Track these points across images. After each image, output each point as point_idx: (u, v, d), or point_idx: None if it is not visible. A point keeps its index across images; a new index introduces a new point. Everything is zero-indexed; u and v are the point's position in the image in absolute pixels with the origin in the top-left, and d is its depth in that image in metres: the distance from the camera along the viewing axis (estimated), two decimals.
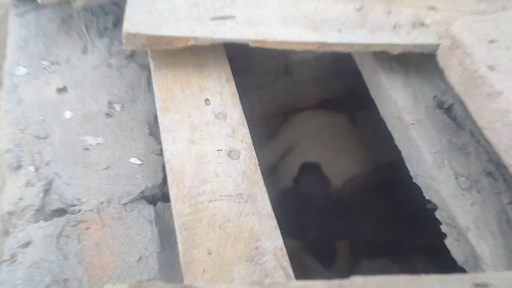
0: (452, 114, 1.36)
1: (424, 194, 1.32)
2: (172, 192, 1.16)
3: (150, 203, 1.29)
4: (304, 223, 2.21)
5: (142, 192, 1.29)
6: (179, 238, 1.11)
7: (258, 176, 1.20)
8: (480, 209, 1.20)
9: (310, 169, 2.37)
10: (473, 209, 1.21)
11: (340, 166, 2.45)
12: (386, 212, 2.26)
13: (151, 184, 1.30)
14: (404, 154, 1.36)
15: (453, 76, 1.20)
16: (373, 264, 2.31)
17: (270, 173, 2.68)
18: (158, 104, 1.29)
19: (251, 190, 1.18)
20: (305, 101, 2.66)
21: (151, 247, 1.21)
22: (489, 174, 1.26)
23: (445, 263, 2.44)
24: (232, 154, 1.23)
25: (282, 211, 2.28)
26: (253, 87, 2.45)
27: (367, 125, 2.78)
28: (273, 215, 1.16)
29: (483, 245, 1.16)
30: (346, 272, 2.31)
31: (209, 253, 1.09)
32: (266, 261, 1.10)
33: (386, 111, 1.41)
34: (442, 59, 1.22)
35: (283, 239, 2.30)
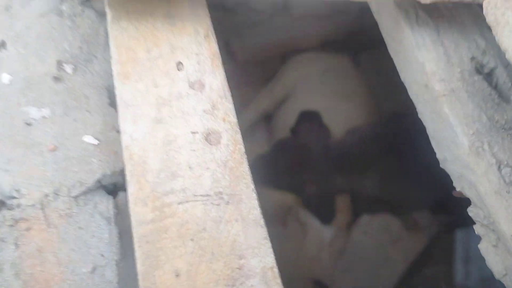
0: (494, 81, 1.04)
1: (454, 184, 1.01)
2: (131, 190, 0.86)
3: (110, 194, 0.99)
4: (301, 176, 1.96)
5: (98, 180, 0.99)
6: (137, 254, 0.82)
7: (244, 168, 0.90)
8: None
9: (309, 118, 2.08)
10: None
11: (342, 115, 2.18)
12: (391, 165, 1.99)
13: (111, 170, 0.99)
14: (430, 131, 1.05)
15: (507, 36, 0.86)
16: (374, 219, 2.07)
17: (265, 121, 2.38)
18: (115, 69, 0.96)
19: (234, 187, 0.88)
20: (305, 42, 2.32)
21: (108, 254, 0.93)
22: None
23: (451, 220, 2.23)
24: (210, 138, 0.92)
25: (278, 163, 2.03)
26: (246, 25, 2.10)
27: (372, 68, 2.46)
28: (262, 221, 0.86)
29: None
30: (345, 228, 2.06)
31: (177, 275, 0.81)
32: (252, 285, 0.82)
33: (408, 76, 1.08)
34: (492, 13, 0.88)
35: (279, 193, 2.05)
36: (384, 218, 2.11)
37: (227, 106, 0.94)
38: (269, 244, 0.85)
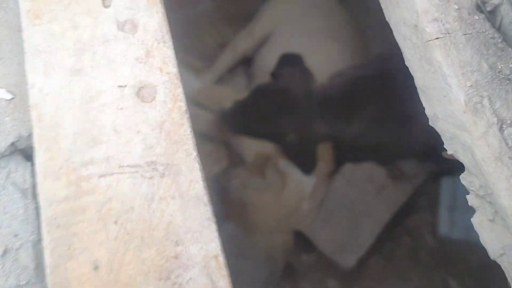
0: (498, 22, 0.81)
1: (446, 146, 0.81)
2: (39, 160, 0.66)
3: (28, 161, 0.79)
4: (282, 123, 1.76)
5: (12, 143, 0.77)
6: (46, 242, 0.63)
7: (185, 131, 0.69)
8: None
9: (290, 61, 1.87)
10: None
11: (326, 58, 1.96)
12: (376, 112, 1.79)
13: (28, 131, 0.78)
14: (419, 83, 0.84)
15: None
16: (357, 168, 1.90)
17: (245, 65, 2.15)
18: (23, 5, 0.72)
19: (172, 155, 0.68)
20: None
21: (24, 234, 0.74)
22: None
23: (439, 169, 2.07)
24: (143, 93, 0.70)
25: (257, 110, 1.83)
26: None
27: (359, 5, 2.20)
28: (206, 198, 0.67)
29: None
30: (327, 177, 1.87)
31: (96, 268, 0.62)
32: (191, 278, 0.63)
33: (394, 14, 0.85)
34: None
35: (257, 141, 1.86)
36: (368, 167, 1.93)
37: (165, 53, 0.72)
38: (213, 227, 0.66)
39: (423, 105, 0.84)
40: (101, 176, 0.66)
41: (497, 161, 0.72)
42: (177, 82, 0.71)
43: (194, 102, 2.04)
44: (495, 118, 0.74)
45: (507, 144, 0.72)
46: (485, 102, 0.74)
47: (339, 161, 1.94)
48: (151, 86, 0.70)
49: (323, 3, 2.06)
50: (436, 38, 0.76)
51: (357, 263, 1.84)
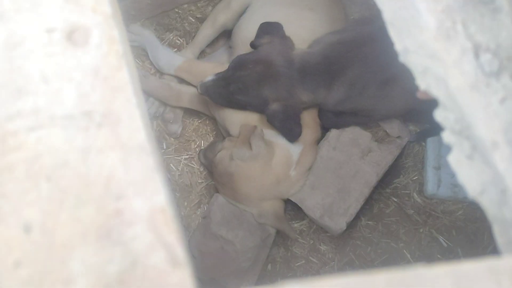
0: None
1: (418, 82, 0.70)
2: None
3: None
4: (264, 93, 1.67)
5: None
6: None
7: (123, 75, 0.58)
8: None
9: (269, 30, 1.75)
10: (503, 109, 0.61)
11: (305, 25, 1.84)
12: (358, 76, 1.70)
13: None
14: (387, 15, 0.72)
15: None
16: (343, 133, 1.82)
17: (227, 38, 2.04)
18: None
19: (109, 103, 0.57)
20: None
21: None
22: None
23: (422, 129, 1.98)
24: (75, 36, 0.59)
25: (239, 81, 1.73)
26: None
27: None
28: (150, 147, 0.56)
29: None
30: (313, 144, 1.79)
31: (28, 230, 0.52)
32: (135, 235, 0.53)
33: None
34: None
35: (241, 113, 1.77)
36: (353, 131, 1.84)
37: None
38: (159, 177, 0.55)
39: (393, 40, 0.73)
40: (29, 130, 0.55)
41: (473, 90, 0.61)
42: (113, 22, 0.59)
43: (177, 78, 1.95)
44: (470, 44, 0.62)
45: (483, 70, 0.61)
46: (458, 26, 0.63)
47: (324, 128, 1.85)
48: (84, 29, 0.59)
49: None
50: None
51: (347, 226, 1.76)
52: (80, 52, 0.58)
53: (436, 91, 0.66)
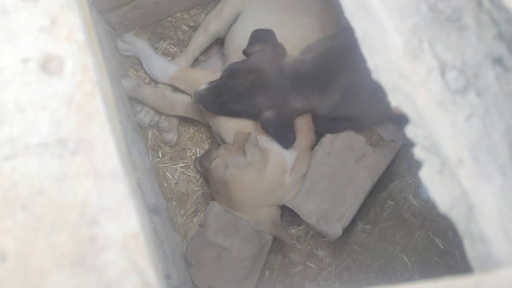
0: None
1: (390, 99, 0.72)
2: None
3: None
4: (258, 100, 1.68)
5: None
6: None
7: (97, 103, 0.60)
8: (481, 125, 0.62)
9: (261, 38, 1.75)
10: (469, 126, 0.62)
11: (297, 32, 1.85)
12: (350, 80, 1.71)
13: None
14: (359, 34, 0.74)
15: None
16: (337, 138, 1.82)
17: (219, 44, 2.06)
18: None
19: (84, 130, 0.59)
20: None
21: None
22: (497, 61, 0.64)
23: None
24: (49, 65, 0.61)
25: (232, 90, 1.74)
26: None
27: None
28: (123, 173, 0.58)
29: (485, 189, 0.60)
30: (308, 150, 1.81)
31: (3, 259, 0.54)
32: (108, 261, 0.55)
33: None
34: None
35: (235, 121, 1.78)
36: (347, 136, 1.85)
37: (72, 20, 0.63)
38: (132, 202, 0.57)
39: (365, 58, 0.74)
40: (5, 159, 0.57)
41: (440, 107, 0.62)
42: (87, 51, 0.61)
43: (171, 86, 1.97)
44: (436, 62, 0.64)
45: (449, 88, 0.63)
46: (425, 45, 0.65)
47: (318, 133, 1.87)
48: (58, 58, 0.61)
49: None
50: None
51: (343, 231, 1.77)
52: (55, 81, 0.60)
53: (406, 108, 0.68)
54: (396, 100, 0.68)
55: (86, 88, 0.60)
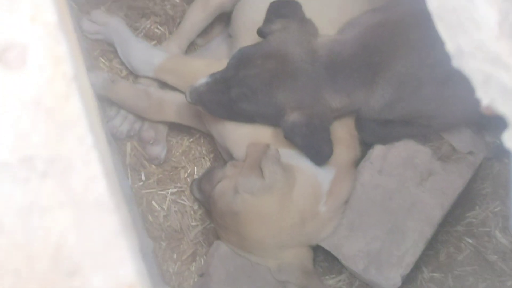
0: None
1: (479, 94, 0.72)
2: None
3: None
4: (279, 99, 1.70)
5: None
6: None
7: (74, 106, 0.61)
8: None
9: (283, 11, 1.78)
10: None
11: (333, 2, 1.89)
12: (408, 70, 1.73)
13: None
14: (432, 5, 0.74)
15: None
16: (392, 150, 1.85)
17: (224, 22, 2.09)
18: None
19: (57, 145, 0.60)
20: None
21: None
22: None
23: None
24: (8, 56, 0.63)
25: (243, 84, 1.76)
26: None
27: None
28: (112, 202, 0.59)
29: None
30: (351, 167, 1.82)
31: None
32: None
33: None
34: None
35: (248, 128, 1.80)
36: (406, 147, 1.86)
37: None
38: (125, 242, 0.58)
39: (442, 38, 0.75)
40: None
41: None
42: (59, 35, 0.63)
43: (158, 81, 1.99)
44: None
45: None
46: None
47: (364, 144, 1.88)
48: (20, 45, 0.62)
49: None
50: None
51: (403, 281, 1.77)
52: (16, 76, 0.61)
53: (502, 107, 0.68)
54: (488, 96, 0.69)
55: (58, 87, 0.61)
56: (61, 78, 0.61)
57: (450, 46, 0.73)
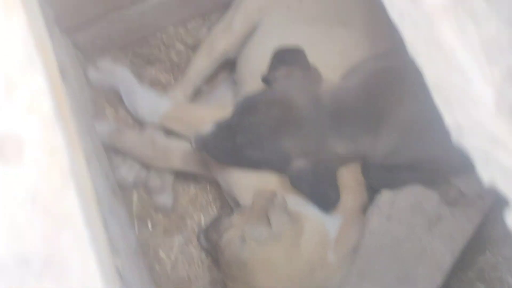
0: None
1: (480, 173, 0.72)
2: None
3: None
4: (285, 146, 1.71)
5: None
6: None
7: (70, 200, 0.61)
8: None
9: (287, 58, 1.78)
10: None
11: (335, 49, 1.89)
12: (413, 115, 1.73)
13: None
14: (430, 79, 0.75)
15: None
16: (399, 196, 1.83)
17: (228, 69, 2.10)
18: None
19: (53, 242, 0.60)
20: None
21: None
22: None
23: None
24: (4, 148, 0.63)
25: (248, 132, 1.75)
26: None
27: None
28: None
29: None
30: (358, 213, 1.82)
31: None
32: None
33: None
34: None
35: (253, 176, 1.79)
36: (413, 192, 1.84)
37: (35, 82, 0.64)
38: None
39: (440, 111, 0.75)
40: None
41: None
42: (55, 125, 0.63)
43: (164, 129, 2.00)
44: None
45: None
46: None
47: (371, 189, 1.87)
48: (16, 137, 0.62)
49: None
50: (442, 8, 0.67)
51: None
52: (11, 172, 0.61)
53: (503, 187, 0.67)
54: (488, 174, 0.68)
55: (55, 179, 0.61)
56: (57, 170, 0.61)
57: (448, 120, 0.73)
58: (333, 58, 1.86)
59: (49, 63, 0.65)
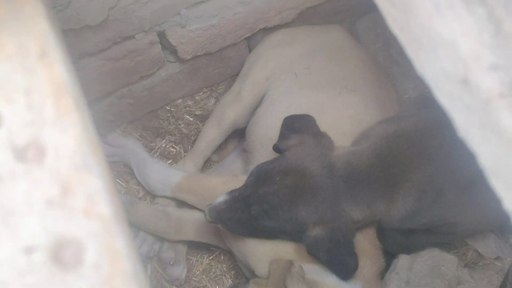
0: None
1: None
2: None
3: None
4: (300, 214, 1.69)
5: None
6: None
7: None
8: None
9: (297, 126, 1.77)
10: None
11: (345, 114, 1.90)
12: (427, 178, 1.70)
13: None
14: (486, 162, 0.72)
15: None
16: (417, 260, 1.81)
17: (237, 138, 2.11)
18: None
19: None
20: (276, 17, 2.00)
21: None
22: None
23: None
24: (63, 254, 0.59)
25: (262, 203, 1.73)
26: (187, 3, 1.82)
27: (377, 36, 2.18)
28: None
29: None
30: (376, 279, 1.79)
31: None
32: None
33: (430, 65, 0.75)
34: None
35: (269, 245, 1.77)
36: (431, 256, 1.83)
37: (91, 185, 0.62)
38: None
39: (498, 195, 0.72)
40: None
41: None
42: (115, 228, 0.59)
43: (176, 201, 1.98)
44: None
45: None
46: None
47: (388, 253, 1.84)
48: (75, 242, 0.59)
49: (329, 41, 2.02)
50: (500, 95, 0.66)
51: None
52: (71, 277, 0.58)
53: None
54: None
55: (118, 286, 0.57)
56: (120, 276, 0.58)
57: (508, 205, 0.70)
58: (343, 123, 1.88)
59: (102, 163, 0.62)
